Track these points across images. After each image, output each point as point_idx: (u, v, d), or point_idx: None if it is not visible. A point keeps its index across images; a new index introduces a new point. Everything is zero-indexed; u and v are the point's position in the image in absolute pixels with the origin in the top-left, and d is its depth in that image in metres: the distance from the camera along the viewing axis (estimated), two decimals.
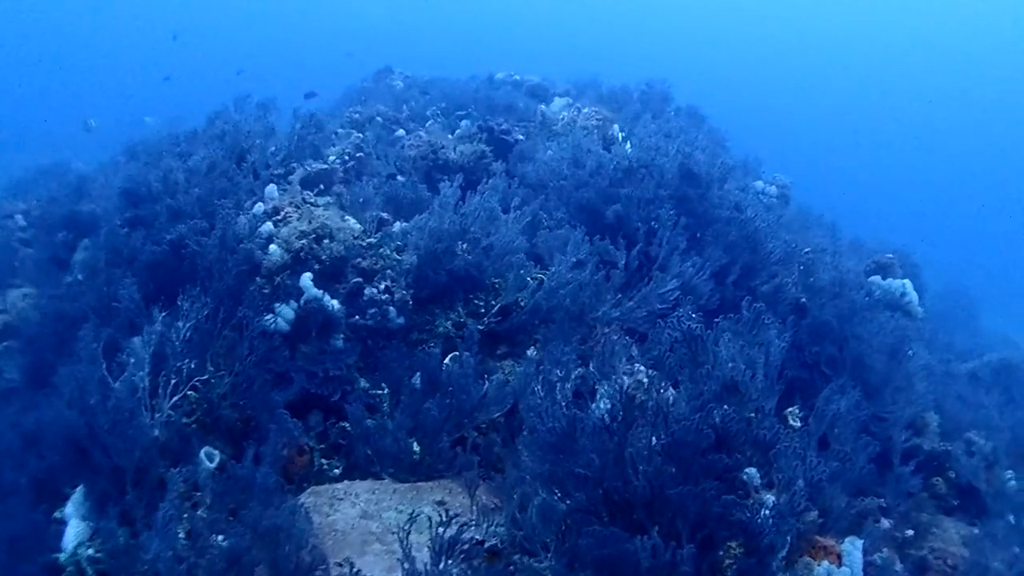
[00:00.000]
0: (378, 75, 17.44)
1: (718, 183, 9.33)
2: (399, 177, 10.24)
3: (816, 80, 73.32)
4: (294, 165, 9.96)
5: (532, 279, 8.06)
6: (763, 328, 6.28)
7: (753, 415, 5.60)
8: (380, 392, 7.46)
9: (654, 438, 5.15)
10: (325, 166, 10.36)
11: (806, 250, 9.53)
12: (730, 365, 5.66)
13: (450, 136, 12.18)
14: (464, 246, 8.05)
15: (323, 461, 7.02)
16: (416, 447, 6.88)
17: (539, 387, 6.19)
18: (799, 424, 6.70)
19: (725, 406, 5.43)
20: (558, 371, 6.30)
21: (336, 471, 6.95)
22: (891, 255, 11.53)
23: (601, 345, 6.72)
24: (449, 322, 7.87)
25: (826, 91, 71.83)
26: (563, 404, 5.72)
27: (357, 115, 13.77)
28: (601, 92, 14.05)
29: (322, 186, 9.64)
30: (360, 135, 13.07)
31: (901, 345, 9.28)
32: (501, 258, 8.07)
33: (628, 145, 10.14)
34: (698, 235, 8.96)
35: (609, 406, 5.52)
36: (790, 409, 6.85)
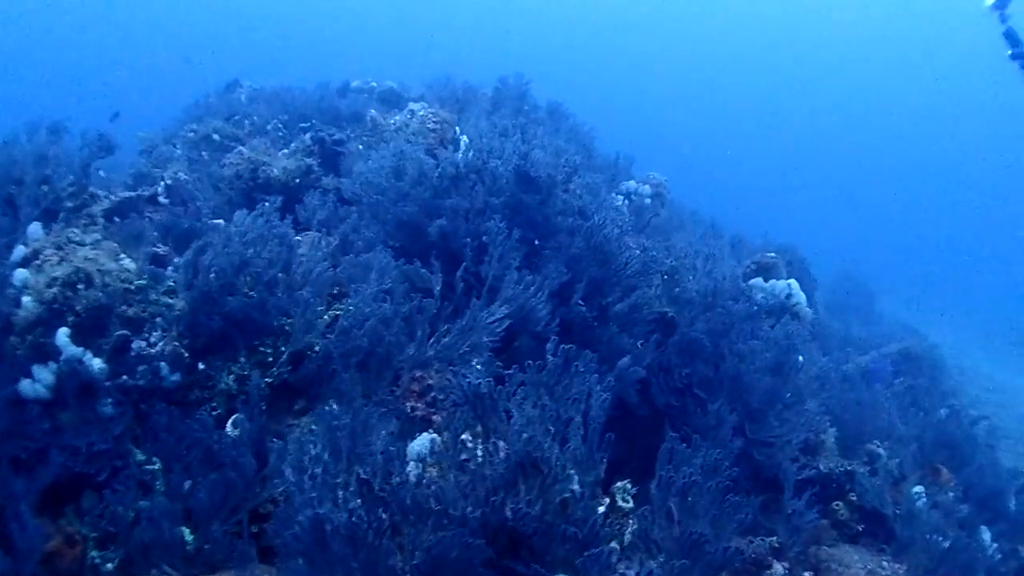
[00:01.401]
0: (227, 89, 15.70)
1: (562, 186, 7.74)
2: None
3: (709, 78, 72.97)
4: (98, 194, 8.35)
5: (330, 317, 6.46)
6: (578, 377, 4.60)
7: (568, 496, 4.01)
8: (153, 467, 5.84)
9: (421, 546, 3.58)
10: (132, 194, 8.75)
11: (669, 258, 7.99)
12: (525, 436, 4.02)
13: (284, 151, 10.66)
14: (248, 281, 6.44)
15: (96, 554, 5.39)
16: (189, 535, 5.31)
17: (289, 470, 4.54)
18: (630, 504, 4.94)
19: (522, 492, 3.87)
20: (312, 447, 4.57)
21: (110, 565, 5.36)
22: (773, 254, 10.09)
23: (352, 417, 4.90)
24: (231, 376, 6.19)
25: (715, 89, 71.53)
26: (312, 494, 4.12)
27: (192, 134, 12.25)
28: (442, 93, 12.37)
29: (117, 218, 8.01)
30: (193, 155, 11.58)
31: (787, 357, 7.80)
32: (292, 294, 6.43)
33: (468, 149, 8.52)
34: (538, 248, 7.39)
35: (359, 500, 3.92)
36: (619, 484, 5.09)
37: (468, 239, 6.96)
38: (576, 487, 4.00)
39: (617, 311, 7.12)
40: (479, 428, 4.20)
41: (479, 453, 4.09)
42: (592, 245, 7.09)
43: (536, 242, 7.36)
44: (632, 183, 11.83)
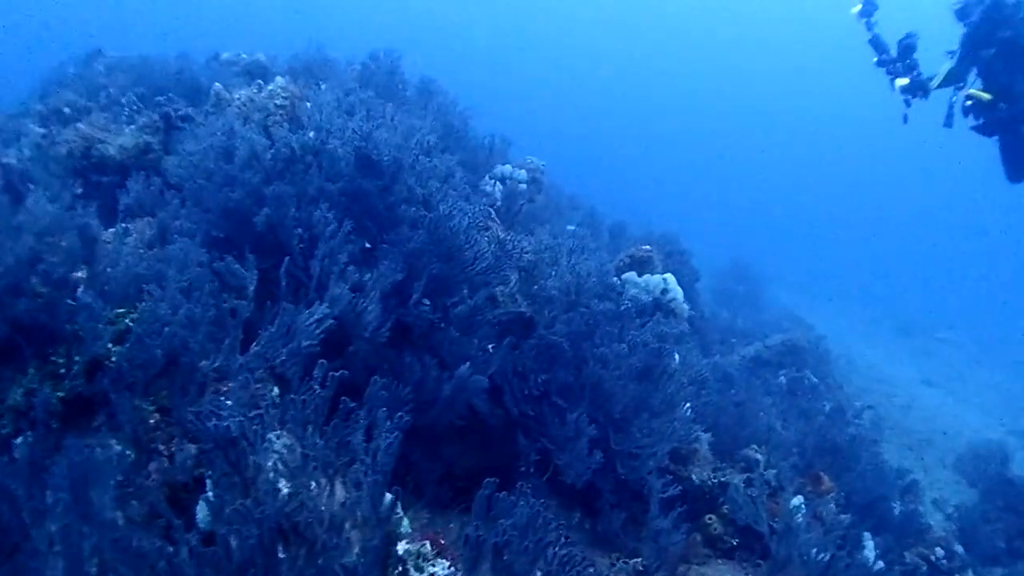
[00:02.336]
0: (88, 58, 14.46)
1: (410, 171, 6.79)
2: None
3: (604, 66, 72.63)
4: None
5: (132, 322, 5.45)
6: (352, 424, 3.60)
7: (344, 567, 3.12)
8: None
9: None
10: None
11: (528, 252, 7.10)
12: (285, 491, 3.11)
13: (132, 127, 9.65)
14: (38, 281, 5.43)
15: None
16: None
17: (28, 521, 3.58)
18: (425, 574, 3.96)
19: (283, 565, 2.98)
20: (47, 494, 3.59)
21: None
22: (648, 247, 9.31)
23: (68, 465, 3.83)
24: (20, 390, 5.19)
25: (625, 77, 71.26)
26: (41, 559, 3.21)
27: (43, 107, 11.14)
28: (296, 66, 11.24)
29: None
30: (43, 130, 10.48)
31: (657, 361, 7.02)
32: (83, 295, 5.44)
33: (309, 129, 7.47)
34: (380, 241, 6.45)
35: None
36: (413, 548, 4.05)
37: (300, 230, 6.04)
38: (355, 556, 3.12)
39: (458, 313, 6.22)
40: (236, 479, 3.29)
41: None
42: (436, 239, 6.19)
43: (377, 234, 6.45)
44: (507, 167, 10.98)
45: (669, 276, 8.82)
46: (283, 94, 8.34)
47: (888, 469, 10.47)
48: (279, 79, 10.60)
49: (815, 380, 14.22)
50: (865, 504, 9.11)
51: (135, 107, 11.04)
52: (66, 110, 10.90)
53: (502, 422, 6.53)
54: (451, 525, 6.08)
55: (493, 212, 9.89)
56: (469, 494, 6.48)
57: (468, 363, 5.83)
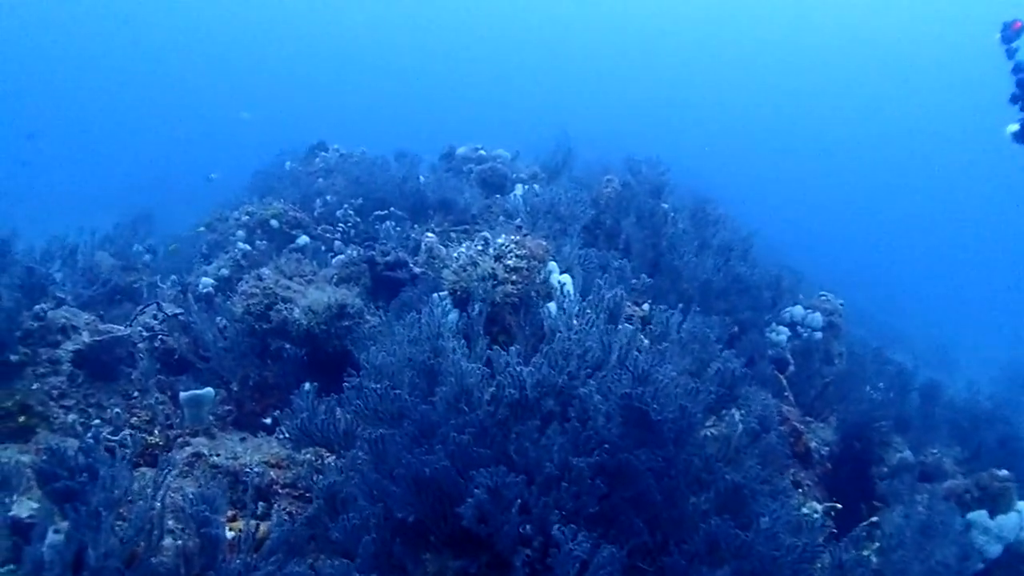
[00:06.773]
0: (309, 152, 12.55)
1: (699, 429, 4.10)
2: None
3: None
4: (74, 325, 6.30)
5: None
6: None
7: None
8: None
9: None
10: (106, 336, 5.98)
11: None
12: None
13: (336, 261, 7.67)
14: None
15: None
16: None
17: None
18: None
19: None
20: None
21: None
22: (1005, 473, 6.20)
23: None
24: None
25: None
26: None
27: (247, 217, 9.37)
28: (536, 204, 8.23)
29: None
30: (246, 247, 8.65)
31: None
32: None
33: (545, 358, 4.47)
34: (653, 547, 3.80)
35: None
36: None
37: (527, 529, 3.56)
38: None
39: None
40: None
41: None
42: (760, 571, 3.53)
43: (652, 546, 3.82)
44: (798, 309, 8.51)
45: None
46: (516, 252, 5.80)
47: None
48: (520, 187, 8.37)
49: None
50: None
51: (351, 221, 9.07)
52: (273, 223, 9.16)
53: None
54: None
55: (785, 383, 7.31)
56: None
57: None
